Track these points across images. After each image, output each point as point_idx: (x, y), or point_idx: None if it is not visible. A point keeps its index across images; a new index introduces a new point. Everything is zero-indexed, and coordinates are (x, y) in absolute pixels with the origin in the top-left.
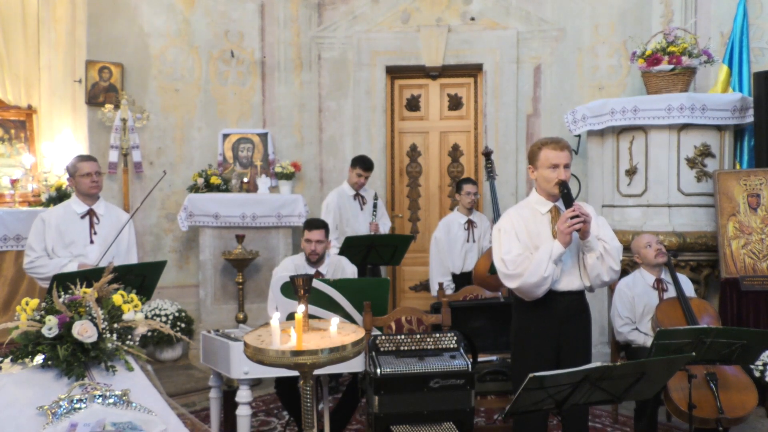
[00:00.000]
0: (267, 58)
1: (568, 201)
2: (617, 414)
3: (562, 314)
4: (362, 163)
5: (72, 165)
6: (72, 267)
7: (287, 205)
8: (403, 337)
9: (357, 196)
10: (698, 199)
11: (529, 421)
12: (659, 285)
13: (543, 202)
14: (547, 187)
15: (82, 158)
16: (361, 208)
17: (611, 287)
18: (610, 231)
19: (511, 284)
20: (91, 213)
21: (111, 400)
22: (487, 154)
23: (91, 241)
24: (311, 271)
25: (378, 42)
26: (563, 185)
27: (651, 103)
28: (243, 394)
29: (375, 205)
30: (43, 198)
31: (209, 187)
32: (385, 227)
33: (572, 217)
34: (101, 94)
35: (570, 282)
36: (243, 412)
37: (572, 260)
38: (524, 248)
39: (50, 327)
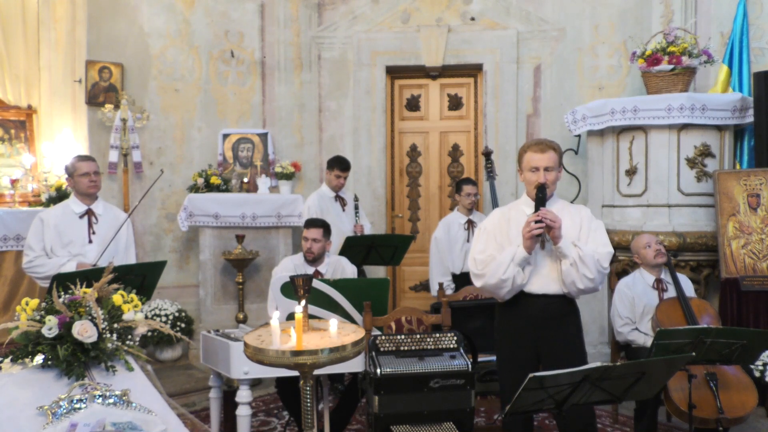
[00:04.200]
0: (267, 58)
1: (538, 206)
2: (617, 414)
3: (538, 317)
4: (339, 164)
5: (71, 165)
6: (70, 266)
7: (287, 205)
8: (403, 337)
9: (337, 197)
10: (698, 199)
11: (516, 419)
12: (659, 285)
13: (530, 204)
14: (529, 190)
15: (81, 158)
16: (343, 210)
17: (611, 287)
18: (603, 236)
19: (477, 283)
20: (89, 213)
21: (111, 400)
22: (487, 154)
23: (90, 241)
24: (310, 270)
25: (378, 42)
26: (540, 189)
27: (651, 103)
28: (243, 394)
29: (356, 207)
30: (43, 198)
31: (209, 187)
32: (367, 229)
33: (537, 221)
34: (101, 94)
35: (546, 285)
36: (243, 412)
37: (551, 264)
38: (500, 250)
39: (50, 327)
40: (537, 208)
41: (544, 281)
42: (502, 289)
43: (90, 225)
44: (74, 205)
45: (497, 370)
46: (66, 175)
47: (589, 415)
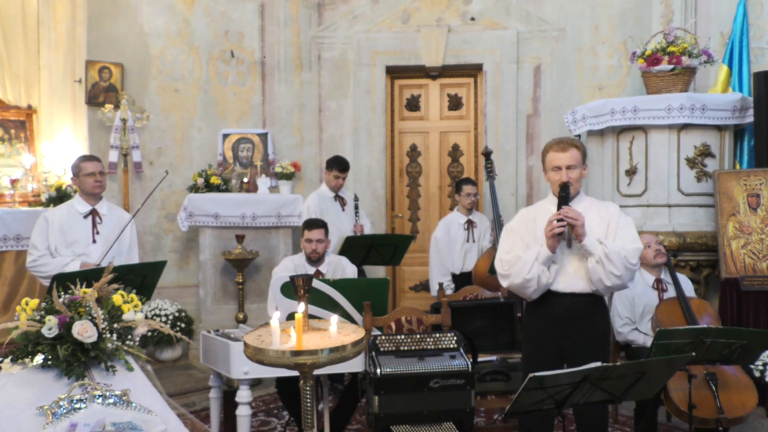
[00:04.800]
0: (267, 58)
1: (561, 204)
2: (617, 414)
3: (564, 315)
4: (338, 165)
5: (76, 165)
6: (74, 266)
7: (287, 205)
8: (403, 337)
9: (337, 197)
10: (698, 199)
11: (534, 420)
12: (659, 285)
13: (555, 202)
14: (554, 189)
15: (86, 158)
16: (343, 209)
17: None
18: (632, 233)
19: (503, 283)
20: (93, 213)
21: (111, 400)
22: (487, 154)
23: (94, 241)
24: (311, 270)
25: (378, 42)
26: (563, 187)
27: (651, 103)
28: (243, 394)
29: (356, 206)
30: (43, 198)
31: (209, 187)
32: (367, 229)
33: (558, 220)
34: (101, 94)
35: (573, 283)
36: (243, 412)
37: (578, 262)
38: (526, 249)
39: (50, 327)
40: (559, 207)
41: (570, 279)
42: (528, 288)
43: (94, 225)
44: (79, 205)
45: (523, 367)
46: (71, 175)
47: (602, 418)
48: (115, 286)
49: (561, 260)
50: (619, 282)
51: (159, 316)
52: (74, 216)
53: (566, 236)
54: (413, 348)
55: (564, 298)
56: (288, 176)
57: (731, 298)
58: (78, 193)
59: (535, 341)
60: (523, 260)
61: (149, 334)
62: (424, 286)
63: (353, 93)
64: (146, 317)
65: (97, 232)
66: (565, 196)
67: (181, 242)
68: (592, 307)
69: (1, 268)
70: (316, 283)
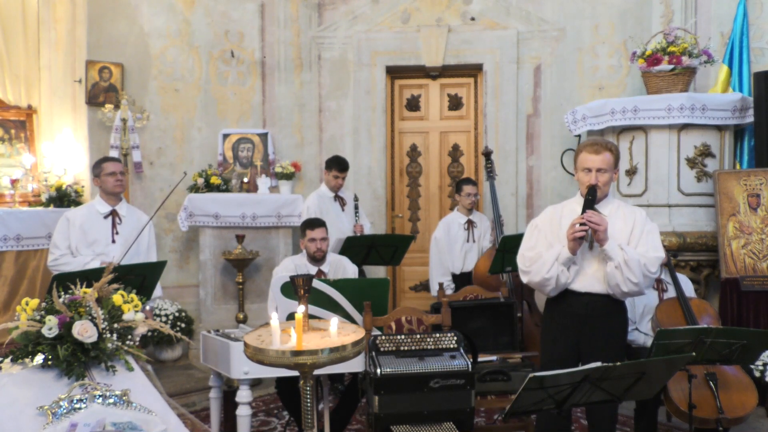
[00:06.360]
0: (267, 58)
1: (586, 208)
2: (617, 414)
3: (581, 315)
4: (338, 165)
5: (97, 165)
6: (95, 265)
7: (287, 205)
8: (403, 337)
9: (336, 197)
10: (698, 199)
11: (552, 420)
12: (659, 285)
13: (582, 203)
14: (582, 190)
15: (107, 158)
16: (343, 209)
17: None
18: (655, 240)
19: (523, 279)
20: (113, 213)
21: (111, 400)
22: (487, 154)
23: (113, 241)
24: (313, 270)
25: (378, 42)
26: (590, 190)
27: (651, 103)
28: (243, 394)
29: (356, 207)
30: (43, 198)
31: (209, 187)
32: (366, 229)
33: (581, 224)
34: (101, 94)
35: (590, 284)
36: (243, 412)
37: (598, 264)
38: (549, 247)
39: (50, 327)
40: (584, 210)
41: (589, 280)
42: (546, 287)
43: (114, 225)
44: (99, 205)
45: (540, 364)
46: (92, 176)
47: (613, 418)
48: (115, 286)
49: (581, 261)
50: (636, 289)
51: (159, 316)
52: (95, 216)
53: (588, 238)
54: (413, 348)
55: (581, 297)
56: (288, 176)
57: (731, 298)
58: (98, 193)
59: (551, 338)
60: (543, 259)
61: (149, 334)
62: (424, 286)
63: (353, 93)
64: (146, 317)
65: (117, 233)
66: (591, 199)
67: (181, 242)
68: (610, 307)
69: (1, 268)
70: (316, 283)
